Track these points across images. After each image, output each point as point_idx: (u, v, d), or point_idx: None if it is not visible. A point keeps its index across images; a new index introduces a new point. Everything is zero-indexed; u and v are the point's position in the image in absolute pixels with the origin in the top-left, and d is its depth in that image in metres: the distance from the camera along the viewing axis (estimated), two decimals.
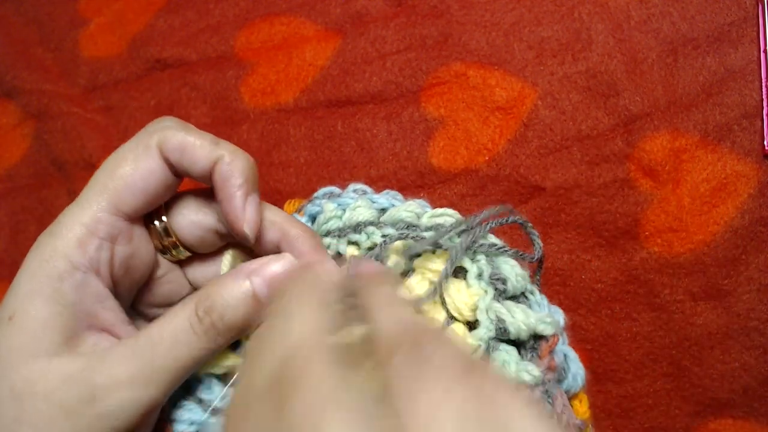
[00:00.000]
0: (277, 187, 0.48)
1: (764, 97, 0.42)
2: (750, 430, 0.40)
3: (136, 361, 0.28)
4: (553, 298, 0.43)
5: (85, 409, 0.27)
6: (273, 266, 0.30)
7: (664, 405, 0.41)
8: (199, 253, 0.35)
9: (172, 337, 0.28)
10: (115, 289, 0.31)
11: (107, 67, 0.54)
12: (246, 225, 0.31)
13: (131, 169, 0.30)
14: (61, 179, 0.53)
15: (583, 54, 0.45)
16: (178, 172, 0.32)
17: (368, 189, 0.38)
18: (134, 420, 0.28)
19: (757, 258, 0.41)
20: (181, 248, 0.34)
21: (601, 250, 0.43)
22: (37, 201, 0.53)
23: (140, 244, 0.32)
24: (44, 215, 0.52)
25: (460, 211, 0.45)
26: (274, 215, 0.33)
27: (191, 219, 0.33)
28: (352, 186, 0.38)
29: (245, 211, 0.31)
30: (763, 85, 0.42)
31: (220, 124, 0.50)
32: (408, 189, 0.46)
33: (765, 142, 0.42)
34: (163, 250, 0.34)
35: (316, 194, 0.38)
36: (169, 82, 0.52)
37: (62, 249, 0.29)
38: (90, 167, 0.51)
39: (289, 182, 0.47)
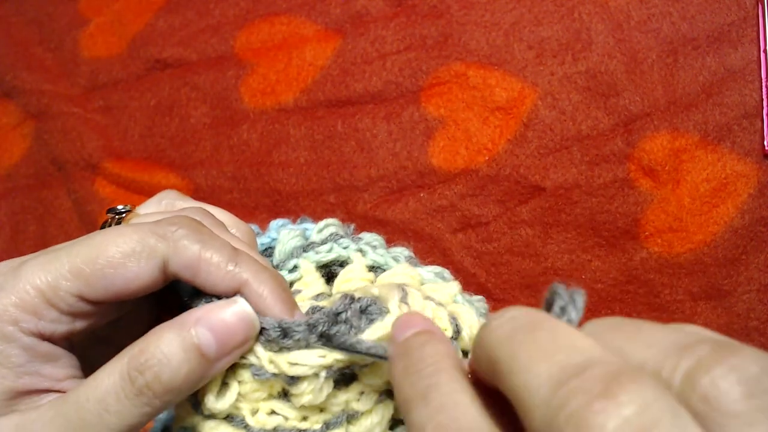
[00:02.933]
0: (277, 187, 0.48)
1: (764, 97, 0.42)
2: None
3: (62, 426, 0.25)
4: None
5: None
6: (222, 313, 0.26)
7: None
8: None
9: (101, 402, 0.24)
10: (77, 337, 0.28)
11: (107, 67, 0.54)
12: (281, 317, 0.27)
13: (117, 266, 0.26)
14: (61, 179, 0.53)
15: (583, 54, 0.45)
16: (173, 280, 0.28)
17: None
18: None
19: (757, 258, 0.41)
20: None
21: (601, 250, 0.43)
22: (37, 201, 0.53)
23: (103, 314, 0.28)
24: (44, 215, 0.52)
25: (459, 211, 0.45)
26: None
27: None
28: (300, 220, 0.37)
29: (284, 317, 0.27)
30: (763, 85, 0.42)
31: (220, 124, 0.50)
32: (408, 189, 0.46)
33: (765, 142, 0.42)
34: None
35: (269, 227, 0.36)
36: (169, 82, 0.52)
37: (13, 312, 0.25)
38: (90, 167, 0.51)
39: (289, 182, 0.47)
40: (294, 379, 0.26)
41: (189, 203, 0.31)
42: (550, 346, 0.19)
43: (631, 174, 0.43)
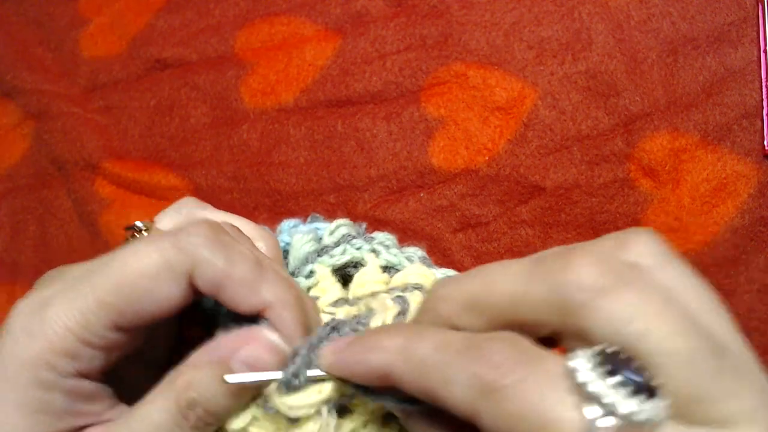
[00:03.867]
0: (277, 187, 0.48)
1: (764, 97, 0.42)
2: None
3: None
4: None
5: None
6: (254, 351, 0.26)
7: None
8: None
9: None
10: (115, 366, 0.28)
11: (107, 67, 0.54)
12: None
13: (146, 291, 0.25)
14: (61, 179, 0.53)
15: (583, 54, 0.45)
16: (199, 296, 0.27)
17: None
18: None
19: (757, 258, 0.41)
20: None
21: None
22: (37, 201, 0.53)
23: (138, 338, 0.28)
24: (44, 215, 0.52)
25: (459, 211, 0.45)
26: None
27: None
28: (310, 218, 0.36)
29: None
30: (763, 85, 0.42)
31: (220, 124, 0.50)
32: (408, 189, 0.46)
33: (765, 142, 0.42)
34: None
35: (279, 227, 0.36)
36: (169, 82, 0.52)
37: (48, 357, 0.24)
38: (90, 167, 0.51)
39: (289, 182, 0.47)
40: (297, 420, 0.26)
41: (210, 213, 0.30)
42: None
43: (631, 174, 0.43)
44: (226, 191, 0.49)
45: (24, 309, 0.25)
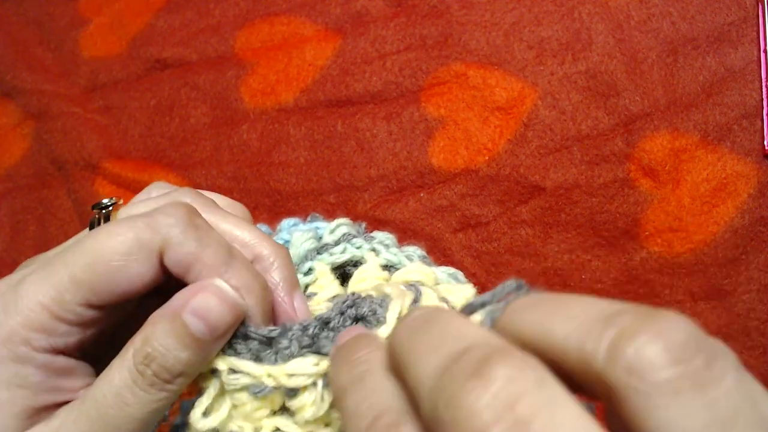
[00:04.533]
0: (277, 187, 0.48)
1: (764, 97, 0.42)
2: None
3: (86, 425, 0.25)
4: None
5: None
6: (204, 300, 0.26)
7: None
8: None
9: (118, 396, 0.25)
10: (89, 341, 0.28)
11: (107, 67, 0.54)
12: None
13: (118, 268, 0.25)
14: (61, 179, 0.53)
15: (583, 54, 0.45)
16: (174, 275, 0.27)
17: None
18: None
19: (757, 258, 0.41)
20: None
21: (601, 250, 0.43)
22: (37, 201, 0.53)
23: (114, 315, 0.28)
24: (44, 215, 0.52)
25: (459, 211, 0.45)
26: (247, 234, 0.30)
27: None
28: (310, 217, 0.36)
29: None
30: (763, 85, 0.42)
31: (220, 124, 0.50)
32: (408, 189, 0.46)
33: (765, 142, 0.42)
34: None
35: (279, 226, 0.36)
36: (169, 82, 0.52)
37: (23, 333, 0.25)
38: (90, 167, 0.51)
39: (289, 182, 0.47)
40: (294, 392, 0.26)
41: (183, 194, 0.30)
42: (439, 339, 0.19)
43: (631, 174, 0.43)
44: (226, 191, 0.49)
45: (0, 288, 0.26)
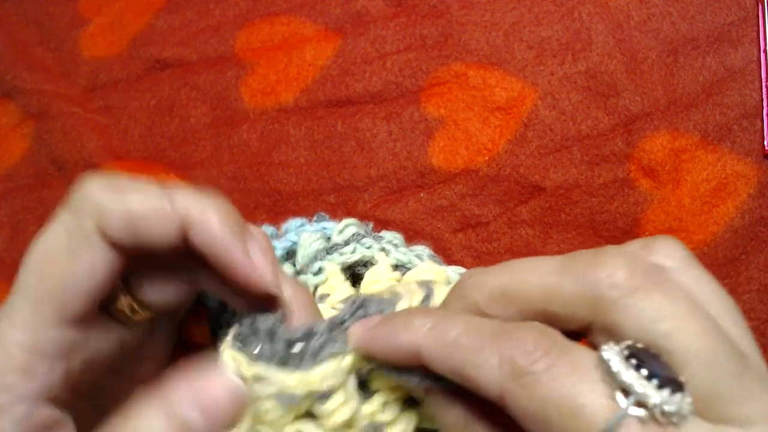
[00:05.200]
0: (277, 187, 0.48)
1: (764, 97, 0.42)
2: None
3: None
4: None
5: None
6: (211, 390, 0.23)
7: None
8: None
9: None
10: (79, 391, 0.25)
11: (107, 67, 0.54)
12: (264, 279, 0.25)
13: (68, 268, 0.23)
14: (61, 179, 0.53)
15: (583, 54, 0.45)
16: (128, 250, 0.25)
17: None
18: None
19: (757, 258, 0.41)
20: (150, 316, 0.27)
21: None
22: (37, 201, 0.53)
23: (101, 337, 0.26)
24: (44, 215, 0.52)
25: (459, 211, 0.45)
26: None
27: (162, 286, 0.27)
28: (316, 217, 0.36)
29: (255, 265, 0.25)
30: (763, 85, 0.42)
31: (220, 124, 0.50)
32: (408, 189, 0.46)
33: (765, 142, 0.42)
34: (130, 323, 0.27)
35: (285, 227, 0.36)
36: (169, 82, 0.52)
37: (1, 380, 0.22)
38: (90, 167, 0.51)
39: (289, 182, 0.47)
40: (325, 397, 0.25)
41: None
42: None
43: (631, 174, 0.43)
44: (226, 191, 0.49)
45: None
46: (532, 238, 0.44)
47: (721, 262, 0.41)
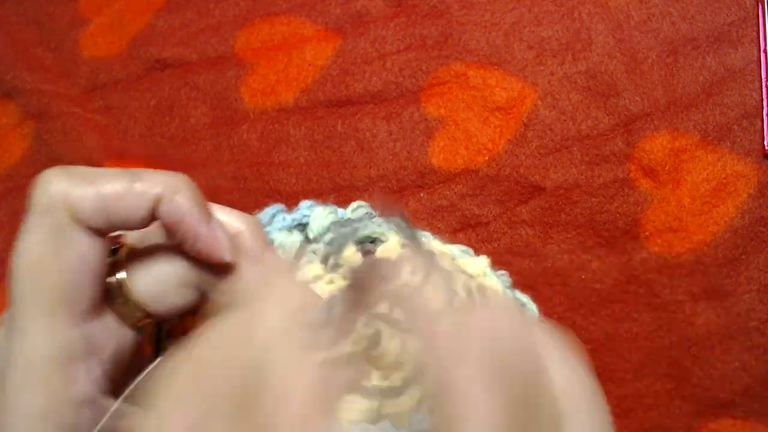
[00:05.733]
0: (277, 187, 0.48)
1: (764, 97, 0.42)
2: (750, 430, 0.40)
3: None
4: (554, 298, 0.43)
5: None
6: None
7: (664, 405, 0.41)
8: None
9: None
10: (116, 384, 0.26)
11: (107, 67, 0.54)
12: (224, 252, 0.26)
13: (60, 266, 0.24)
14: None
15: (583, 54, 0.45)
16: (104, 232, 0.26)
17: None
18: None
19: (757, 258, 0.41)
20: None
21: (601, 250, 0.43)
22: None
23: (119, 325, 0.27)
24: None
25: (459, 211, 0.45)
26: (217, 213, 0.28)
27: (160, 278, 0.27)
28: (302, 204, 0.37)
29: (217, 238, 0.26)
30: (763, 85, 0.42)
31: (220, 124, 0.50)
32: (408, 189, 0.46)
33: (765, 142, 0.42)
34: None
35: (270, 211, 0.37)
36: (169, 82, 0.52)
37: (64, 408, 0.23)
38: (90, 167, 0.51)
39: (289, 182, 0.47)
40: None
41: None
42: None
43: (631, 174, 0.43)
44: (226, 191, 0.49)
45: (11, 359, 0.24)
46: (532, 238, 0.44)
47: (721, 262, 0.41)
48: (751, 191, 0.42)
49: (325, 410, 0.18)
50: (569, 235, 0.43)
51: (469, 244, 0.44)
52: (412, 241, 0.33)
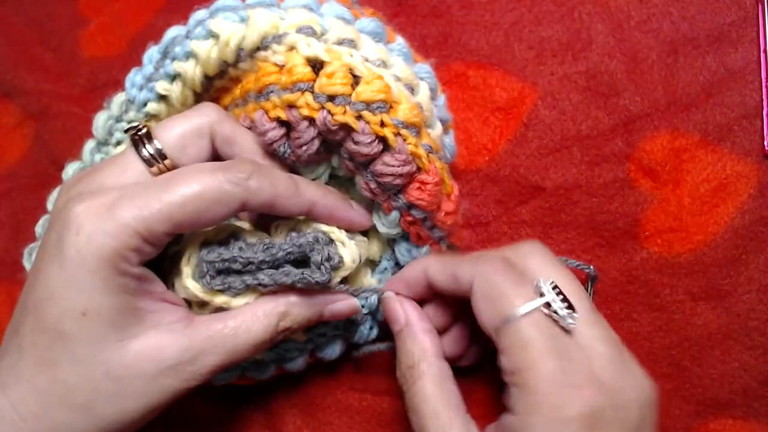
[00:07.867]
0: None
1: (764, 97, 0.42)
2: (750, 430, 0.40)
3: (224, 350, 0.34)
4: None
5: (185, 366, 0.33)
6: (342, 308, 0.38)
7: (664, 405, 0.41)
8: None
9: (254, 339, 0.34)
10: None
11: (107, 67, 0.54)
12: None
13: (205, 212, 0.32)
14: (61, 179, 0.53)
15: (583, 54, 0.45)
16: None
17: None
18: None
19: (757, 258, 0.41)
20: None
21: (601, 250, 0.43)
22: (37, 201, 0.53)
23: None
24: (44, 215, 0.52)
25: (460, 211, 0.45)
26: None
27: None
28: None
29: (363, 218, 0.39)
30: (763, 85, 0.42)
31: None
32: None
33: (765, 142, 0.42)
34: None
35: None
36: None
37: (123, 252, 0.31)
38: None
39: None
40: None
41: (227, 127, 0.36)
42: None
43: (631, 174, 0.43)
44: None
45: (89, 211, 0.31)
46: (532, 237, 0.44)
47: (721, 262, 0.41)
48: (751, 191, 0.42)
49: None
50: (569, 235, 0.43)
51: (469, 245, 0.44)
52: None
